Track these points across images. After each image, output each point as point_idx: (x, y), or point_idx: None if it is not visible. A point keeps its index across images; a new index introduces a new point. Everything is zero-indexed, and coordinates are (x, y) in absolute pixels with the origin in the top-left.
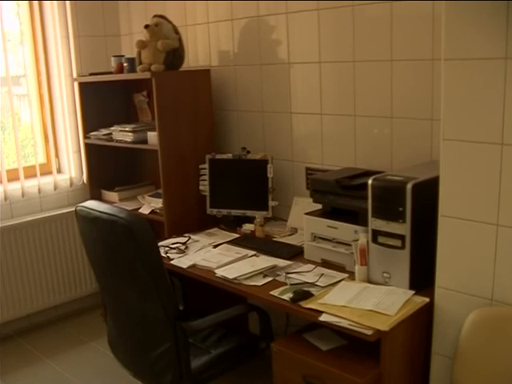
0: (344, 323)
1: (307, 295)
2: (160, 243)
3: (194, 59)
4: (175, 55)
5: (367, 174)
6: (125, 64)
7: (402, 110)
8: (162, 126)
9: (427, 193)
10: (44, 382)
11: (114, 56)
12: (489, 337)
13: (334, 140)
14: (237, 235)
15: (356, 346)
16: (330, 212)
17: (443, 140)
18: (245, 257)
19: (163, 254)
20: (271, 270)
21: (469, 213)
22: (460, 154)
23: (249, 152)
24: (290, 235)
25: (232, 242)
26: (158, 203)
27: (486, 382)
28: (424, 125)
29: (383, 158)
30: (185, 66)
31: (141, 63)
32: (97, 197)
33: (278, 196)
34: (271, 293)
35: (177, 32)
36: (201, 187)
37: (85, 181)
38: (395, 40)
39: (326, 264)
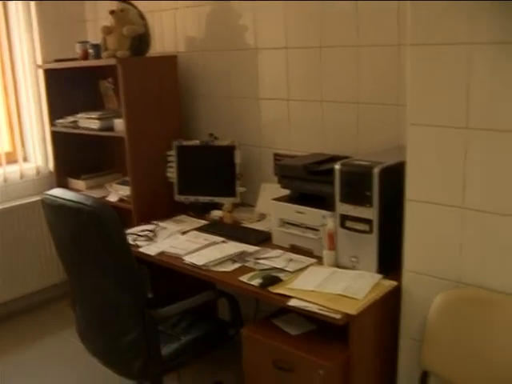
0: (313, 308)
1: (276, 280)
2: (128, 231)
3: (160, 45)
4: (141, 41)
5: (335, 159)
6: (90, 50)
7: (368, 96)
8: (128, 112)
9: (394, 177)
10: (8, 376)
11: (79, 42)
12: (456, 319)
13: (301, 126)
14: (205, 222)
15: (325, 331)
16: (298, 197)
17: (409, 125)
18: (213, 243)
19: (131, 242)
20: (240, 256)
21: (435, 196)
22: (426, 139)
23: (216, 138)
24: (258, 221)
25: (200, 229)
26: (125, 191)
27: (454, 364)
28: (390, 110)
29: (350, 144)
30: (151, 53)
31: (106, 49)
32: (64, 185)
33: (246, 182)
34: (240, 278)
35: (143, 17)
36: (168, 174)
37: (51, 169)
38: (361, 25)
39: (294, 249)
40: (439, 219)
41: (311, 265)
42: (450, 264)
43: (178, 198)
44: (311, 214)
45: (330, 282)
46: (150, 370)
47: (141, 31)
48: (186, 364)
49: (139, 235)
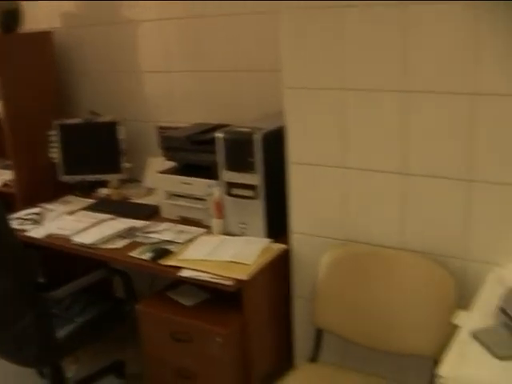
0: (204, 276)
1: (166, 253)
2: (13, 215)
3: (35, 21)
4: (12, 16)
5: (218, 128)
6: None
7: (248, 63)
8: (4, 93)
9: (276, 142)
10: None
11: None
12: (343, 275)
13: (185, 97)
14: (92, 200)
15: (220, 298)
16: (184, 169)
17: (286, 88)
18: (102, 221)
19: (17, 226)
20: (129, 232)
21: (317, 158)
22: (304, 101)
23: (99, 115)
24: (146, 196)
25: (88, 208)
26: (8, 175)
27: (344, 319)
28: (270, 76)
29: (234, 112)
30: (26, 29)
31: None
32: None
33: (133, 157)
34: (130, 254)
35: None
36: (51, 154)
37: None
38: None
39: (183, 221)
40: (322, 180)
41: (201, 235)
42: (335, 223)
43: (64, 178)
44: (197, 185)
45: (220, 250)
46: (45, 355)
47: (11, 7)
48: (83, 346)
49: (25, 219)
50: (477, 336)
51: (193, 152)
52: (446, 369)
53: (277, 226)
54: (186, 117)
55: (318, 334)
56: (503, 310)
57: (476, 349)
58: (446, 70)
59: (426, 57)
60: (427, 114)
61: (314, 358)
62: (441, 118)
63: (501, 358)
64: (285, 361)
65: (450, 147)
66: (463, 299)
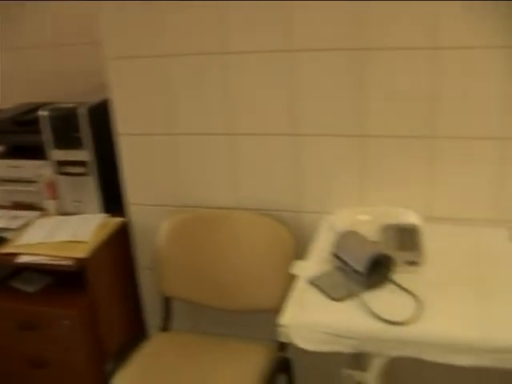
0: (43, 259)
1: (1, 241)
2: None
3: None
4: None
5: (42, 106)
6: None
7: (68, 37)
8: None
9: (104, 115)
10: None
11: None
12: (183, 241)
13: (5, 77)
14: None
15: (65, 281)
16: (12, 152)
17: (108, 60)
18: None
19: None
20: None
21: (145, 127)
22: (127, 71)
23: None
24: None
25: None
26: None
27: (189, 283)
28: (92, 48)
29: (59, 88)
30: None
31: None
32: None
33: None
34: None
35: None
36: None
37: None
38: None
39: (17, 206)
40: (153, 149)
41: (36, 218)
42: (171, 191)
43: None
44: (27, 167)
45: (57, 231)
46: None
47: None
48: None
49: None
50: (313, 282)
51: (18, 133)
52: (286, 318)
53: (113, 199)
54: (8, 99)
55: (167, 303)
56: (335, 255)
57: (313, 294)
58: (262, 29)
59: (241, 23)
60: (248, 73)
61: (165, 327)
62: (262, 75)
63: (337, 299)
64: (138, 333)
65: (272, 104)
66: (301, 250)
